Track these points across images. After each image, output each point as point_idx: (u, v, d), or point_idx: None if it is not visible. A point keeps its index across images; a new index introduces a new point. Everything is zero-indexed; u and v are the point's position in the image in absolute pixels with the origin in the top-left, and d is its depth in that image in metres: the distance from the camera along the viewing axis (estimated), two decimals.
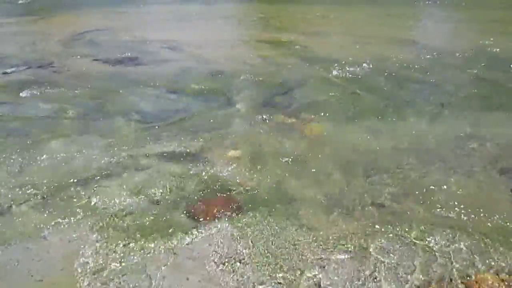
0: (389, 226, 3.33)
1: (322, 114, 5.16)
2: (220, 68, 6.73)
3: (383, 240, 3.20)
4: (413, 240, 3.19)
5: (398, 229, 3.30)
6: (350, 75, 6.29)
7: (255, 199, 3.70)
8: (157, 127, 5.00)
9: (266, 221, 3.43)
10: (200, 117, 5.19)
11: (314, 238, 3.24)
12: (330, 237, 3.25)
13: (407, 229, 3.29)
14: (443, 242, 3.16)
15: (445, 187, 3.78)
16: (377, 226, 3.34)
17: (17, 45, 8.50)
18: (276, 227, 3.36)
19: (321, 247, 3.16)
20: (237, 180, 3.96)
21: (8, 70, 7.04)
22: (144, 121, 5.16)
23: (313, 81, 6.14)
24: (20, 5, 12.46)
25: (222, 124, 4.99)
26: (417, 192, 3.73)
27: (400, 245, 3.15)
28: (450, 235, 3.21)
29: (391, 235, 3.25)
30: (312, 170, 4.11)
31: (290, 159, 4.27)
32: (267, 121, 5.05)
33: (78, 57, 7.60)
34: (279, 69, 6.57)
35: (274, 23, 9.64)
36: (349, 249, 3.13)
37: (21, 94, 6.06)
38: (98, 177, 4.07)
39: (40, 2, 12.66)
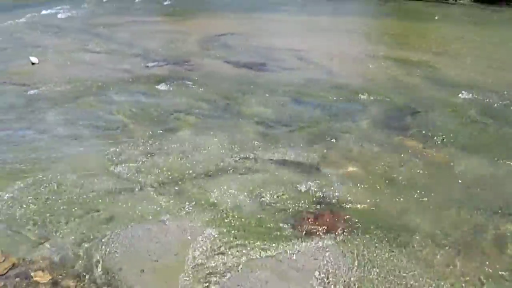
0: (509, 273, 3.03)
1: (447, 140, 4.83)
2: (345, 82, 6.67)
3: None
4: None
5: None
6: (481, 103, 5.80)
7: (366, 220, 3.60)
8: (278, 132, 5.11)
9: (376, 246, 3.32)
10: (321, 128, 5.19)
11: (426, 274, 3.06)
12: (443, 276, 3.04)
13: None
14: None
15: None
16: (496, 272, 3.05)
17: (159, 42, 9.32)
18: (386, 254, 3.23)
19: (431, 284, 2.98)
20: (351, 198, 3.89)
21: (149, 64, 7.78)
22: (266, 125, 5.30)
23: (440, 105, 5.78)
24: (165, 6, 13.64)
25: (342, 138, 4.94)
26: None
27: None
28: None
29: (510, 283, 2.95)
30: (431, 199, 3.87)
31: (409, 184, 4.08)
32: (389, 141, 4.87)
33: (211, 58, 8.09)
34: (405, 89, 6.31)
35: (403, 40, 9.26)
36: None
37: (158, 86, 6.64)
38: (217, 173, 4.29)
39: (182, 4, 13.74)
